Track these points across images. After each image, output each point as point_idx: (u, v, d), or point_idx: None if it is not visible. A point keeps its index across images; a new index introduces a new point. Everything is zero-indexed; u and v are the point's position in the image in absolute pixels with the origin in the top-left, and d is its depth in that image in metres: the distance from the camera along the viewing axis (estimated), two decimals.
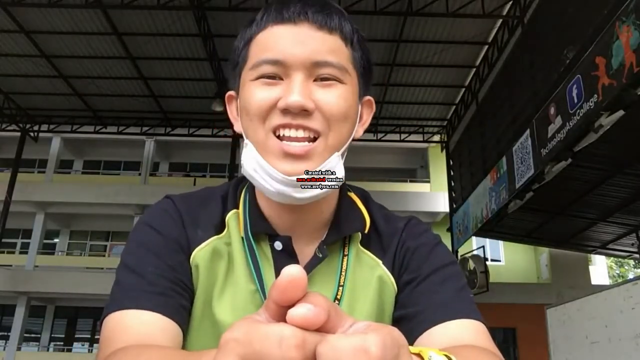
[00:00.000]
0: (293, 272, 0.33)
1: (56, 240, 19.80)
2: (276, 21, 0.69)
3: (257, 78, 0.69)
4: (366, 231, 0.78)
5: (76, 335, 18.93)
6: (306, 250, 0.75)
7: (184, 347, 0.69)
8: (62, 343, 18.69)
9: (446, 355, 0.44)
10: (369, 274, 0.76)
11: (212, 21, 10.26)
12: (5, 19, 10.09)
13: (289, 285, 0.33)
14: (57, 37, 10.80)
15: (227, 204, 0.78)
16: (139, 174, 17.88)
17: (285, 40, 0.68)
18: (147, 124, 14.99)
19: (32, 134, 15.04)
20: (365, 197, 0.84)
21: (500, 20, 9.89)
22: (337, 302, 0.73)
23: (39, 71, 12.05)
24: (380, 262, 0.77)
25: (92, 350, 18.37)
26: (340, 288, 0.74)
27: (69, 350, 18.40)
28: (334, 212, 0.77)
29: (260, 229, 0.74)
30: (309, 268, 0.73)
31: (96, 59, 11.56)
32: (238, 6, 9.43)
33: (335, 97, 0.68)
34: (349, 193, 0.82)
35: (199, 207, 0.77)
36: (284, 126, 0.67)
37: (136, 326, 0.62)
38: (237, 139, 13.35)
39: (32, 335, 18.56)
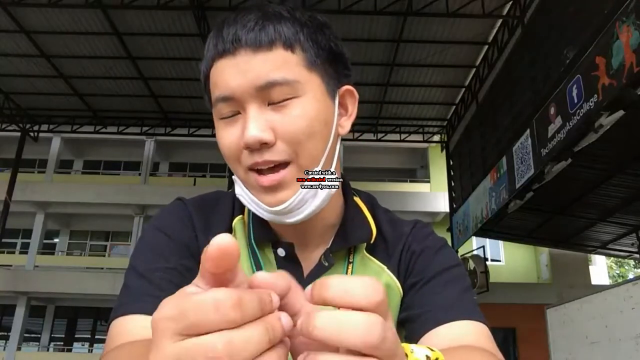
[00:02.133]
0: (222, 241, 0.32)
1: (56, 240, 19.79)
2: (216, 55, 0.66)
3: (220, 118, 0.68)
4: (372, 241, 0.77)
5: (76, 335, 18.90)
6: (311, 256, 0.75)
7: None
8: (62, 343, 18.67)
9: (429, 348, 0.45)
10: None
11: (212, 21, 10.25)
12: (5, 19, 10.10)
13: (219, 253, 0.32)
14: (57, 37, 10.80)
15: (235, 209, 0.78)
16: (139, 174, 17.87)
17: (227, 74, 0.65)
18: (147, 124, 14.99)
19: (32, 134, 15.05)
20: (371, 203, 0.83)
21: (500, 20, 9.90)
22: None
23: (39, 71, 12.06)
24: (385, 267, 0.76)
25: (92, 350, 18.35)
26: None
27: (69, 350, 18.38)
28: (339, 217, 0.77)
29: (263, 236, 0.75)
30: (314, 275, 0.72)
31: (96, 59, 11.56)
32: (238, 6, 9.44)
33: (292, 118, 0.63)
34: (355, 198, 0.81)
35: (210, 211, 0.77)
36: (255, 164, 0.65)
37: (138, 331, 0.61)
38: None
39: (32, 335, 18.54)
